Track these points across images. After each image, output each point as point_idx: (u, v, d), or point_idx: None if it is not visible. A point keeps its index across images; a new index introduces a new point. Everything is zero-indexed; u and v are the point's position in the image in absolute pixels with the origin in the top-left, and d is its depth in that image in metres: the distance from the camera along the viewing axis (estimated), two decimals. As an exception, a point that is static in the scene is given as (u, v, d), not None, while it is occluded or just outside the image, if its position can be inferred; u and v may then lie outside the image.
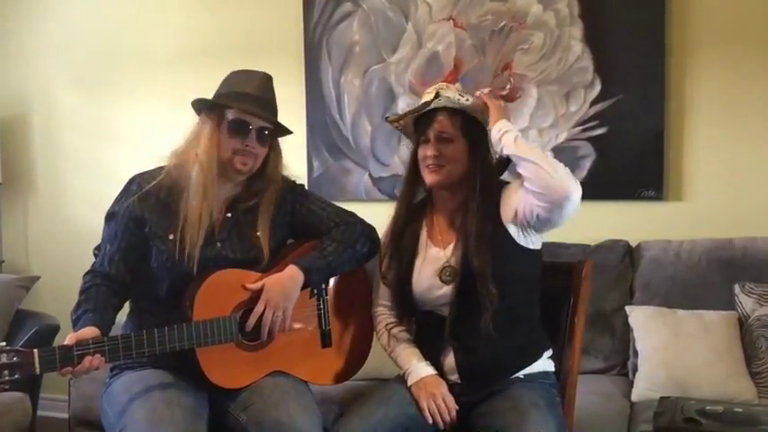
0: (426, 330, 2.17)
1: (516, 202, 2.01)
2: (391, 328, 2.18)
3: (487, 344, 2.02)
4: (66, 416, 3.03)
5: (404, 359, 2.14)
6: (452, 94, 2.05)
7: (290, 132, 2.18)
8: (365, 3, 3.49)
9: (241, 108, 2.04)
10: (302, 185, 2.27)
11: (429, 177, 2.09)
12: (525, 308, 2.10)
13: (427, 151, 2.08)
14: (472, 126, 2.07)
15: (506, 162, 2.14)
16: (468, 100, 2.05)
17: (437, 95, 2.05)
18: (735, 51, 3.03)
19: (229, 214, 2.10)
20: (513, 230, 2.04)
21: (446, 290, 2.07)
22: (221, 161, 2.05)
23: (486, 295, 1.98)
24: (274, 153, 2.15)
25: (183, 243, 2.00)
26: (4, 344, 1.76)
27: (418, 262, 2.13)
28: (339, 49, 3.54)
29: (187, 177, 2.04)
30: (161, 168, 2.09)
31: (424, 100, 2.10)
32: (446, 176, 2.07)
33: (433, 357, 2.12)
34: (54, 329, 3.10)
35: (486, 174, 2.07)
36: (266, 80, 2.14)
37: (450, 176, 2.07)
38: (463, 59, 3.36)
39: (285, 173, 2.21)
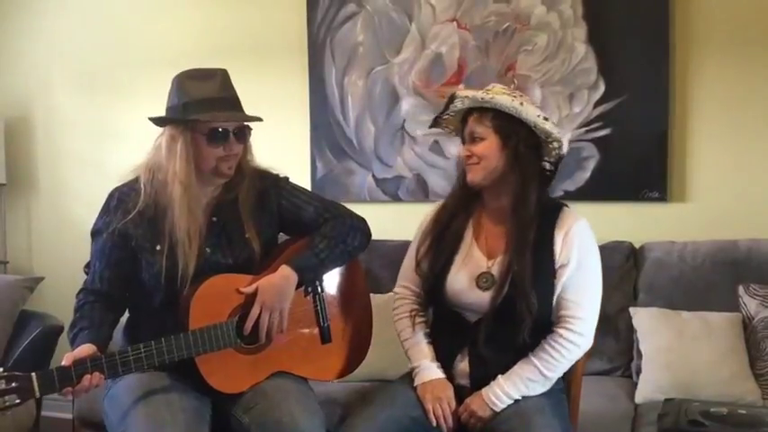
0: (445, 329, 2.13)
1: (562, 275, 2.01)
2: (414, 316, 2.16)
3: (506, 356, 2.02)
4: (70, 416, 3.03)
5: (416, 355, 2.12)
6: (475, 93, 2.02)
7: (260, 119, 2.08)
8: (369, 4, 3.49)
9: (217, 117, 1.98)
10: (285, 178, 2.22)
11: (467, 176, 2.08)
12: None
13: (462, 151, 2.09)
14: (507, 122, 2.02)
15: (557, 163, 2.10)
16: (492, 98, 2.00)
17: (451, 100, 2.05)
18: (739, 52, 3.03)
19: (215, 218, 2.07)
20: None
21: (480, 296, 2.03)
22: (204, 172, 2.02)
23: (525, 303, 1.95)
24: (246, 146, 2.11)
25: (175, 259, 1.98)
26: (1, 369, 1.75)
27: (458, 260, 2.09)
28: (343, 49, 3.54)
29: (166, 195, 2.00)
30: (137, 179, 2.06)
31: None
32: (481, 174, 2.04)
33: (446, 358, 2.10)
34: (58, 330, 3.10)
35: (523, 171, 2.02)
36: (225, 77, 2.06)
37: (483, 173, 2.04)
38: (467, 60, 3.35)
39: (258, 165, 2.16)
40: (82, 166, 4.02)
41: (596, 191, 3.20)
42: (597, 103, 3.17)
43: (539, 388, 2.01)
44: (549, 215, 2.04)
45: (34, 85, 4.09)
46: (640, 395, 2.68)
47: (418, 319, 2.16)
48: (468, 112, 2.06)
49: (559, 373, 2.03)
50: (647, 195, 3.13)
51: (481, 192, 2.12)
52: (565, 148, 2.09)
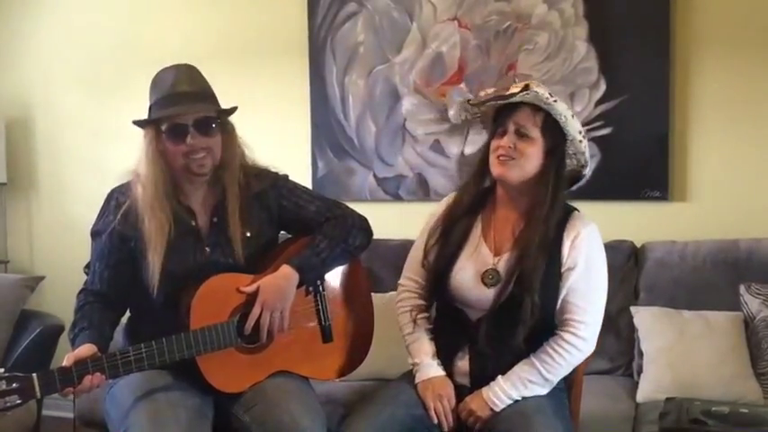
0: (446, 326, 2.12)
1: (567, 278, 1.98)
2: (416, 314, 2.13)
3: (507, 357, 2.01)
4: (71, 416, 3.03)
5: (416, 351, 2.10)
6: (542, 91, 1.95)
7: (233, 108, 2.08)
8: (370, 3, 3.48)
9: (164, 114, 1.98)
10: (285, 177, 2.21)
11: (497, 169, 2.01)
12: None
13: (502, 142, 1.99)
14: (553, 128, 1.99)
15: (578, 178, 2.10)
16: (556, 101, 1.96)
17: (526, 88, 1.95)
18: (740, 51, 3.03)
19: (215, 219, 2.07)
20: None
21: (485, 293, 2.01)
22: (176, 170, 2.02)
23: (528, 305, 1.93)
24: (226, 135, 2.07)
25: (147, 262, 1.97)
26: (2, 370, 1.75)
27: (463, 256, 2.06)
28: (343, 49, 3.54)
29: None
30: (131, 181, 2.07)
31: (511, 91, 2.00)
32: (515, 172, 1.98)
33: (447, 355, 2.08)
34: (58, 329, 3.10)
35: (560, 182, 2.00)
36: (187, 72, 2.06)
37: (518, 172, 1.99)
38: (468, 60, 3.35)
39: (256, 163, 2.15)
40: (82, 165, 4.02)
41: (597, 190, 3.18)
42: (598, 103, 3.17)
43: (538, 389, 1.99)
44: (560, 218, 2.01)
45: (35, 85, 4.09)
46: (642, 394, 2.68)
47: (420, 316, 2.13)
48: (517, 104, 1.99)
49: (560, 377, 2.02)
50: (648, 195, 3.13)
51: (495, 187, 2.09)
52: (586, 171, 2.08)
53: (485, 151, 2.07)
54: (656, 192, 3.12)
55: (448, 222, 2.09)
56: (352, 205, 2.27)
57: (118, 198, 2.07)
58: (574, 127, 1.99)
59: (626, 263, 3.02)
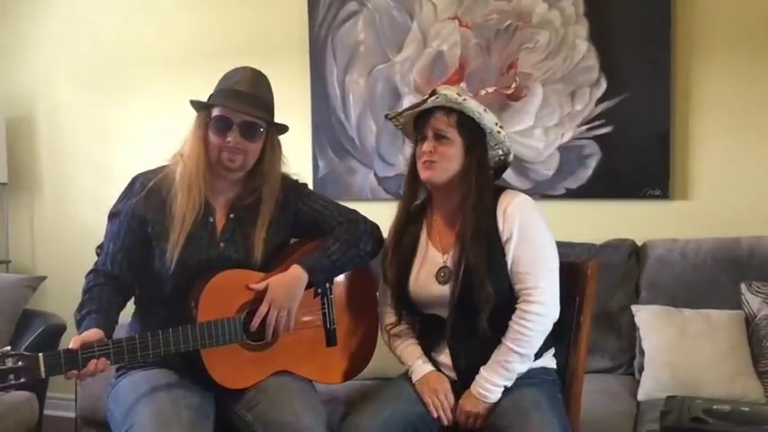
0: (426, 331, 2.18)
1: (509, 250, 2.04)
2: (390, 329, 2.19)
3: (484, 345, 2.04)
4: (73, 415, 3.04)
5: (406, 356, 2.16)
6: (450, 93, 2.04)
7: (284, 128, 2.14)
8: (370, 2, 3.49)
9: (219, 104, 2.03)
10: (305, 184, 2.27)
11: (423, 174, 2.10)
12: None
13: (423, 147, 2.09)
14: (469, 125, 2.07)
15: (504, 166, 2.18)
16: (465, 99, 2.04)
17: (433, 93, 2.06)
18: (741, 50, 3.03)
19: (232, 215, 2.10)
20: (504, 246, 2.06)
21: (442, 290, 2.07)
22: (211, 160, 2.05)
23: (482, 293, 1.99)
24: (271, 149, 2.12)
25: (167, 243, 2.00)
26: (8, 348, 1.76)
27: (416, 263, 2.14)
28: (344, 48, 3.54)
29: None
30: (163, 167, 2.10)
31: (421, 99, 2.11)
32: (439, 173, 2.07)
33: (430, 356, 2.14)
34: (60, 329, 3.11)
35: (483, 174, 2.08)
36: (254, 76, 2.10)
37: (444, 173, 2.07)
38: (468, 58, 3.35)
39: (286, 170, 2.20)
40: (84, 165, 4.03)
41: (598, 189, 3.20)
42: (599, 101, 3.17)
43: (519, 367, 2.03)
44: (492, 202, 2.08)
45: (37, 85, 4.10)
46: (643, 393, 2.68)
47: (396, 329, 2.19)
48: (431, 110, 2.08)
49: (534, 348, 2.03)
50: (650, 193, 3.13)
51: (430, 192, 2.18)
52: (510, 159, 2.17)
53: (413, 160, 2.17)
54: (657, 190, 3.12)
55: (396, 237, 2.17)
56: (353, 205, 2.29)
57: (142, 181, 2.09)
58: (489, 120, 2.07)
59: (627, 261, 3.02)
